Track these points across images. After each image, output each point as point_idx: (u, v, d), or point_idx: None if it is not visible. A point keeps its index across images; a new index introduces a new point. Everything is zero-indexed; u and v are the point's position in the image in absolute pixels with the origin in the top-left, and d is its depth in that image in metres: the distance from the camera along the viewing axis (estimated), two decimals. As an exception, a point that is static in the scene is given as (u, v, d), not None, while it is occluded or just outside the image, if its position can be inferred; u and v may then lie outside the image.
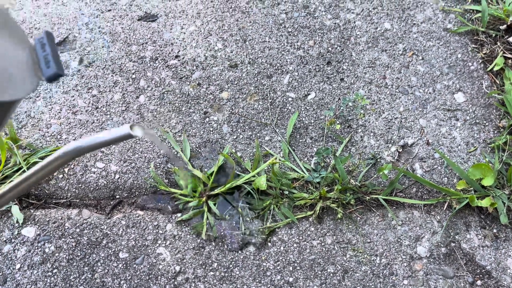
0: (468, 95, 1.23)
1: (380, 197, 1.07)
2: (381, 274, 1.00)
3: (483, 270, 1.01)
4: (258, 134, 1.15)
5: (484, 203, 1.03)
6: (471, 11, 1.37)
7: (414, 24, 1.34)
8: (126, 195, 1.07)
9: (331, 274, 1.00)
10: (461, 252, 1.03)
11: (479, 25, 1.33)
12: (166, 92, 1.21)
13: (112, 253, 1.00)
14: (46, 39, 0.38)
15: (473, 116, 1.20)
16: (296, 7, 1.36)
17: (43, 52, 0.37)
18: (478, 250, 1.03)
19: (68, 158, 0.48)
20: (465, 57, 1.28)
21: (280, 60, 1.27)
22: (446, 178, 1.11)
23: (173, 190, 1.07)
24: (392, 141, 1.16)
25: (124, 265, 0.99)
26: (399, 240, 1.04)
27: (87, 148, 0.47)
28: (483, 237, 1.05)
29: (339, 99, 1.21)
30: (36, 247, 1.00)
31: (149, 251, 1.00)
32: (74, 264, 0.99)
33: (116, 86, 1.21)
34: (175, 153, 1.12)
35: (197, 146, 1.13)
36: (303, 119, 1.18)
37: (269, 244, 1.03)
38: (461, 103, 1.21)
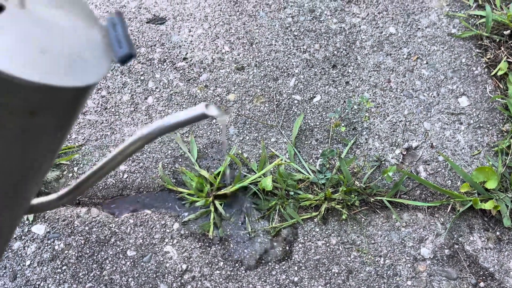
0: (472, 99, 1.24)
1: (384, 199, 1.08)
2: (385, 274, 1.01)
3: (486, 272, 1.02)
4: (264, 136, 1.17)
5: (488, 206, 1.05)
6: (475, 16, 1.38)
7: (419, 28, 1.36)
8: (134, 194, 1.09)
9: (336, 274, 1.01)
10: (464, 254, 1.04)
11: (483, 30, 1.35)
12: (174, 94, 1.23)
13: (120, 251, 1.02)
14: (117, 19, 0.36)
15: (477, 120, 1.21)
16: (302, 11, 1.38)
17: (114, 32, 0.35)
18: (481, 252, 1.05)
19: (151, 137, 0.47)
20: (469, 61, 1.30)
21: (286, 63, 1.28)
22: (450, 181, 1.13)
23: (180, 189, 1.08)
24: (396, 144, 1.17)
25: (132, 263, 1.00)
26: (403, 241, 1.05)
27: (169, 128, 0.45)
28: (486, 240, 1.06)
29: (344, 102, 1.23)
30: (46, 244, 1.02)
31: (157, 249, 1.02)
32: (83, 261, 1.00)
33: (125, 87, 1.23)
34: (182, 153, 1.13)
35: (204, 146, 1.15)
36: (309, 121, 1.20)
37: (275, 244, 1.04)
38: (465, 107, 1.23)
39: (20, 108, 0.32)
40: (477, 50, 1.32)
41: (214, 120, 1.19)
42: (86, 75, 0.33)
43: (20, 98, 0.31)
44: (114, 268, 1.00)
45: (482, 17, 1.36)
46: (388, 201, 1.09)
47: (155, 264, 1.00)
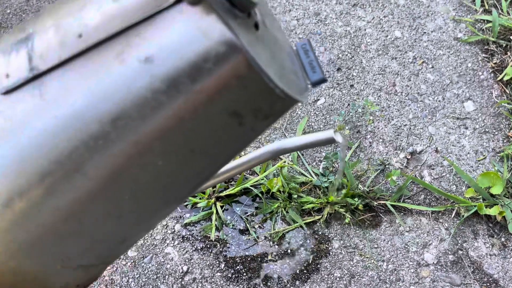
0: (477, 104, 1.23)
1: (388, 203, 1.07)
2: (387, 279, 1.00)
3: (490, 279, 1.01)
4: (268, 138, 1.17)
5: (493, 211, 1.03)
6: (481, 21, 1.37)
7: (425, 32, 1.35)
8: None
9: (338, 278, 1.00)
10: (468, 260, 1.03)
11: (490, 35, 1.34)
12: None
13: (121, 251, 1.01)
14: (308, 45, 0.38)
15: (483, 125, 1.20)
16: (308, 14, 1.38)
17: (307, 58, 0.38)
18: (486, 259, 1.03)
19: (270, 156, 0.49)
20: (475, 66, 1.29)
21: (291, 65, 1.28)
22: (454, 186, 1.11)
23: (182, 190, 1.08)
24: (400, 148, 1.16)
25: (133, 264, 1.00)
26: (406, 246, 1.04)
27: (290, 149, 0.48)
28: (491, 246, 1.05)
29: (349, 105, 1.22)
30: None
31: (157, 250, 1.01)
32: (84, 261, 1.00)
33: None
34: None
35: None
36: (312, 124, 1.19)
37: (276, 247, 1.03)
38: (470, 112, 1.22)
39: (263, 113, 0.34)
40: (484, 55, 1.31)
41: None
42: (301, 92, 0.36)
43: (267, 104, 0.33)
44: (115, 268, 0.99)
45: (488, 22, 1.36)
46: (391, 205, 1.08)
47: (156, 265, 1.00)
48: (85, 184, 0.34)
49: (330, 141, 0.46)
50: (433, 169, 1.14)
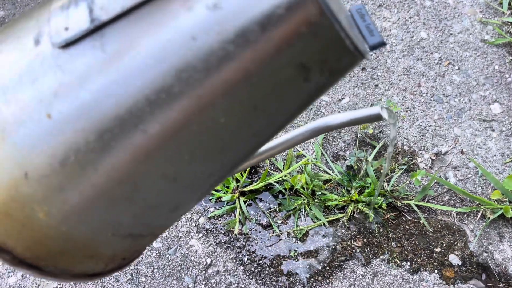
0: (504, 107, 1.22)
1: (412, 203, 1.07)
2: (410, 279, 1.00)
3: (516, 282, 1.00)
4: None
5: (519, 214, 1.02)
6: (509, 23, 1.36)
7: (451, 34, 1.34)
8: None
9: (360, 276, 1.00)
10: (493, 262, 1.02)
11: (518, 37, 1.32)
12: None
13: (146, 242, 1.03)
14: (364, 10, 0.37)
15: (509, 127, 1.19)
16: (333, 14, 1.38)
17: (364, 22, 0.36)
18: (511, 262, 1.02)
19: (313, 133, 0.47)
20: (502, 68, 1.28)
21: (316, 64, 1.29)
22: (480, 188, 1.10)
23: (207, 185, 1.09)
24: (425, 148, 1.16)
25: (158, 254, 1.01)
26: (430, 246, 1.03)
27: (334, 126, 0.45)
28: (517, 249, 1.03)
29: (373, 104, 1.22)
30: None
31: (182, 242, 1.03)
32: (110, 250, 1.02)
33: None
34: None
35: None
36: (337, 122, 1.19)
37: (299, 243, 1.04)
38: (497, 114, 1.21)
39: (328, 66, 0.32)
40: (511, 57, 1.30)
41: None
42: (365, 50, 0.34)
43: (335, 57, 0.32)
44: (140, 258, 1.01)
45: (516, 24, 1.34)
46: (415, 205, 1.07)
47: (180, 257, 1.01)
48: (144, 141, 0.32)
49: (377, 118, 0.43)
50: (458, 170, 1.13)
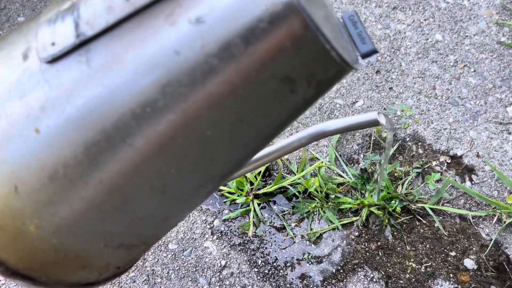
0: (521, 109, 1.20)
1: (427, 206, 1.06)
2: (425, 283, 0.99)
3: (533, 287, 0.98)
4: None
5: (537, 218, 1.01)
6: (526, 24, 1.34)
7: (467, 36, 1.33)
8: (176, 189, 1.12)
9: (374, 280, 1.00)
10: (510, 266, 1.01)
11: (535, 39, 1.31)
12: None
13: (162, 243, 1.04)
14: (356, 17, 0.37)
15: (527, 130, 1.17)
16: (347, 17, 1.38)
17: (356, 29, 0.36)
18: (529, 267, 1.01)
19: (310, 139, 0.47)
20: (520, 70, 1.26)
21: (329, 67, 1.29)
22: (496, 192, 1.09)
23: (221, 187, 1.10)
24: (440, 151, 1.15)
25: (173, 256, 1.03)
26: (445, 250, 1.03)
27: (331, 132, 0.45)
28: (534, 254, 1.02)
29: (385, 108, 1.22)
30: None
31: (197, 244, 1.04)
32: (127, 251, 1.04)
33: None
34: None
35: (245, 146, 1.17)
36: (351, 125, 1.19)
37: (313, 246, 1.04)
38: (514, 117, 1.19)
39: (316, 79, 0.32)
40: (528, 59, 1.28)
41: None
42: (353, 61, 0.34)
43: (321, 69, 0.32)
44: (156, 259, 1.03)
45: (534, 25, 1.33)
46: (430, 208, 1.07)
47: (195, 258, 1.03)
48: (131, 154, 0.33)
49: (374, 124, 0.43)
50: (474, 173, 1.12)
